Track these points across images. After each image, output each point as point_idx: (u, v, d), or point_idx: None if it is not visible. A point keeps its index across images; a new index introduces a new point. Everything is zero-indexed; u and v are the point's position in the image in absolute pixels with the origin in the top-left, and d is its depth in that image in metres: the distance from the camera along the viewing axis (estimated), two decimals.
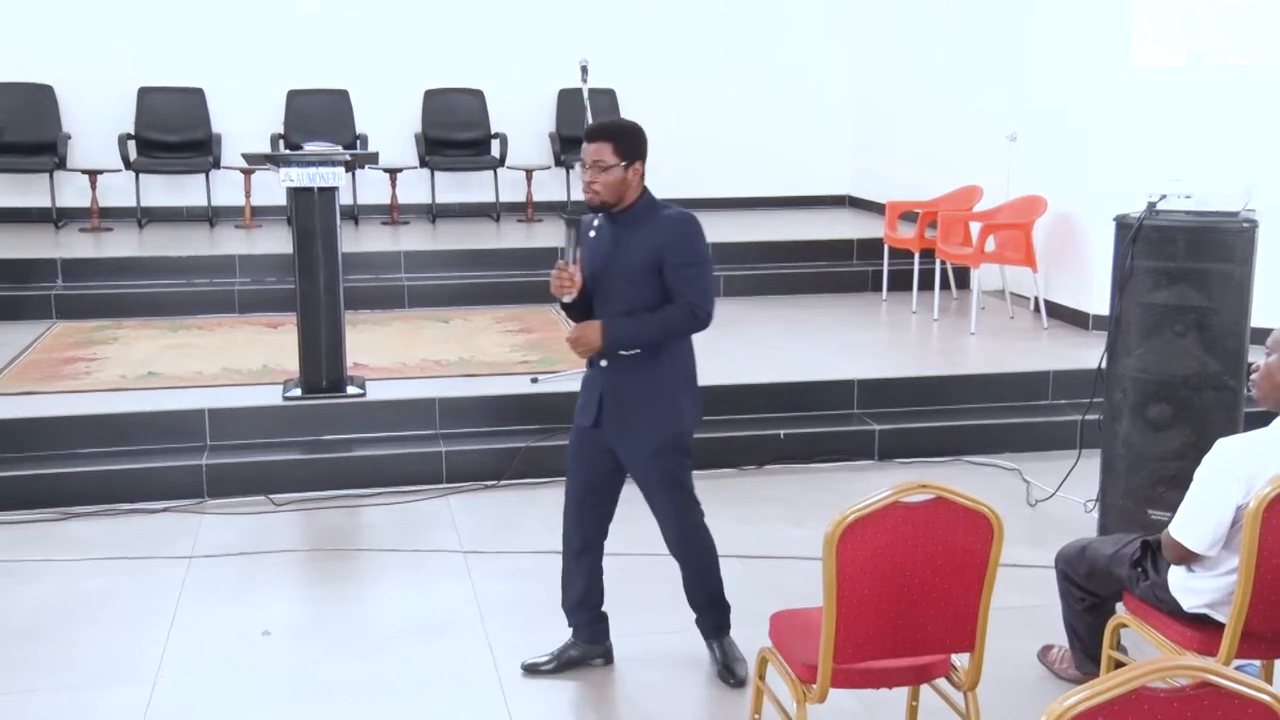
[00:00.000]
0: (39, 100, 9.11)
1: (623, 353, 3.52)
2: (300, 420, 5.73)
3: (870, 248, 8.56)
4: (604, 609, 3.85)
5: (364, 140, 9.49)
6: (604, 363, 3.56)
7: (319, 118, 9.40)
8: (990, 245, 7.56)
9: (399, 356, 6.63)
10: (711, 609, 3.80)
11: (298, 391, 5.82)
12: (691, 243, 3.52)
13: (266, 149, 8.75)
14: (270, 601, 4.38)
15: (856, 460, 5.89)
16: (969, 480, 5.40)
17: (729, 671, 3.73)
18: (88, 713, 3.62)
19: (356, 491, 5.43)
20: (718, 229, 9.19)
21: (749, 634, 3.55)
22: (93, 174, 8.94)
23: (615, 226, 3.55)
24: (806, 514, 5.11)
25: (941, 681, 3.00)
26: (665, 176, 9.91)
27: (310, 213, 5.72)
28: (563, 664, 3.82)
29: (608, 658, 3.86)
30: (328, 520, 5.19)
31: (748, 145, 10.31)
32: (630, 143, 3.49)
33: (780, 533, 4.96)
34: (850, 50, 10.49)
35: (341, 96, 9.63)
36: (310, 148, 5.94)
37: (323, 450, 5.63)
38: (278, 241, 8.41)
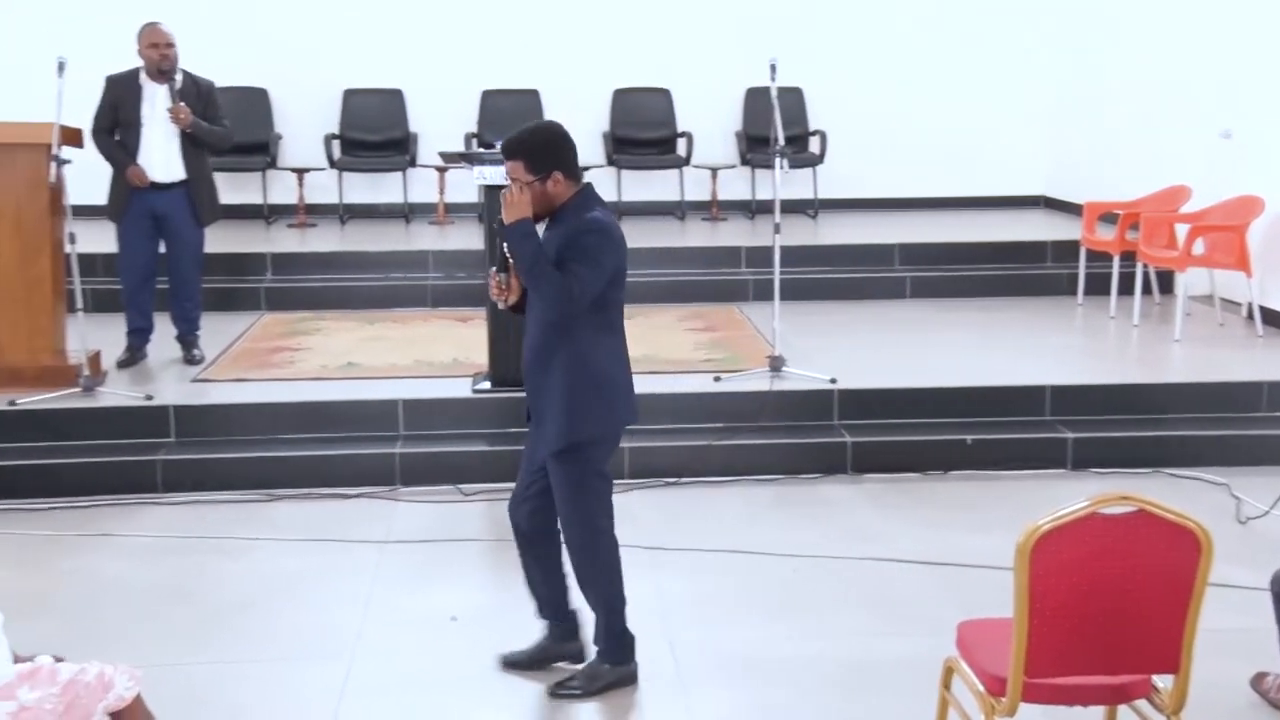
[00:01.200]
0: (255, 103, 9.62)
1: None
2: (488, 412, 5.88)
3: (1066, 250, 8.25)
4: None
5: None
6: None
7: (511, 117, 9.61)
8: (1199, 248, 7.18)
9: None
10: (601, 622, 3.75)
11: (486, 384, 5.97)
12: (585, 245, 3.47)
13: (460, 147, 9.01)
14: (457, 588, 4.52)
15: (1047, 469, 5.69)
16: (1172, 494, 5.14)
17: (559, 684, 3.72)
18: (290, 685, 3.81)
19: None
20: (905, 229, 9.11)
21: (933, 642, 3.47)
22: (300, 172, 9.40)
23: (548, 225, 3.62)
24: (994, 522, 4.96)
25: (1142, 704, 2.86)
26: (852, 176, 9.93)
27: (499, 209, 5.84)
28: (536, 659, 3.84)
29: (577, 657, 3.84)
30: None
31: (938, 144, 10.05)
32: (541, 156, 3.50)
33: (966, 540, 4.83)
34: (1053, 42, 10.11)
35: (532, 96, 9.83)
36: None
37: (509, 442, 5.75)
38: (469, 237, 8.66)
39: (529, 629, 4.16)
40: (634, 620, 4.05)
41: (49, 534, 4.99)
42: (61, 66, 5.63)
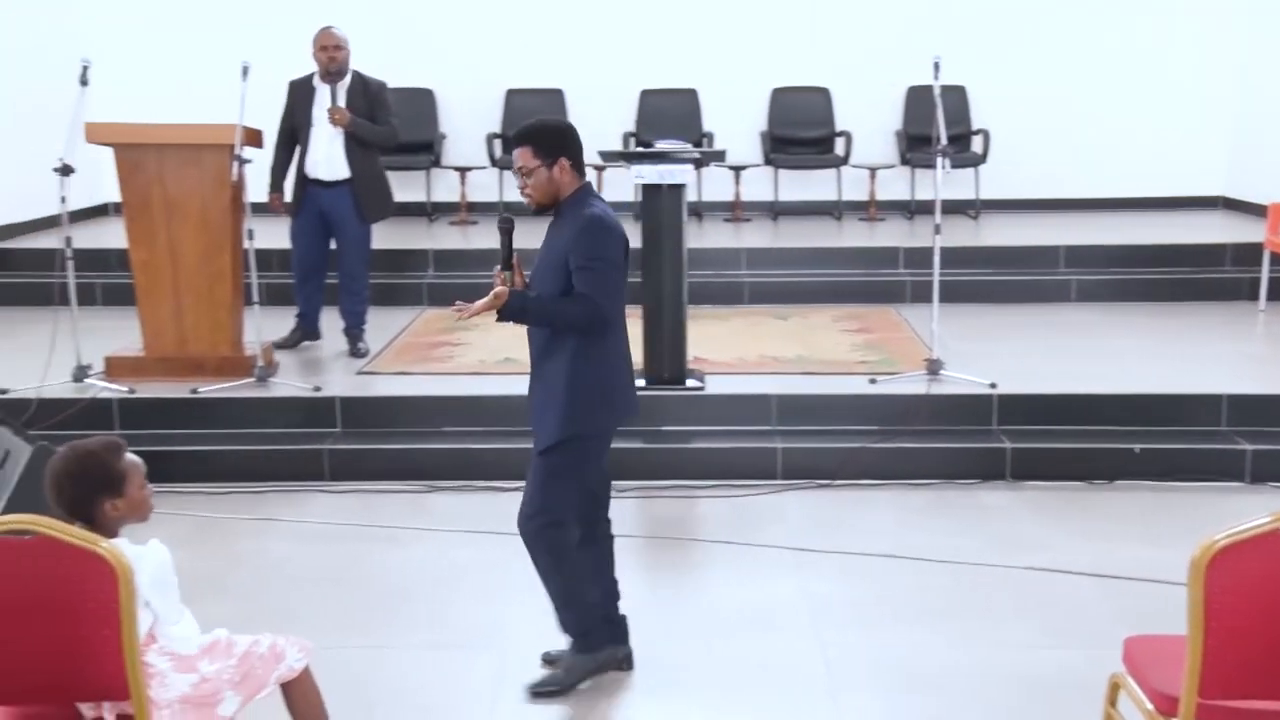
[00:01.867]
0: (421, 103, 9.90)
1: (518, 323, 3.60)
2: (642, 410, 5.88)
3: (1247, 253, 7.85)
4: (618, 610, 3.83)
5: (710, 138, 9.69)
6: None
7: (668, 116, 9.68)
8: None
9: (738, 352, 6.71)
10: (561, 612, 3.74)
11: (640, 383, 6.00)
12: (590, 244, 3.50)
13: (618, 147, 9.09)
14: None
15: (1222, 481, 5.43)
16: None
17: (537, 684, 3.72)
18: (449, 672, 3.90)
19: (692, 483, 5.55)
20: (1071, 231, 8.81)
21: (1099, 655, 3.34)
22: (463, 171, 9.63)
23: (552, 222, 3.66)
24: (1164, 535, 4.76)
25: None
26: (1016, 176, 9.65)
27: (659, 209, 5.89)
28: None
29: (627, 663, 3.82)
30: (664, 509, 5.34)
31: (1108, 142, 9.70)
32: (550, 142, 3.55)
33: (1133, 552, 4.65)
34: (1233, 30, 9.63)
35: (690, 95, 9.86)
36: (661, 145, 6.12)
37: (662, 441, 5.80)
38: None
39: (681, 626, 4.18)
40: (780, 620, 4.03)
41: (224, 517, 5.23)
42: (245, 71, 5.90)
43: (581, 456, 3.65)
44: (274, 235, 6.87)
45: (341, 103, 6.38)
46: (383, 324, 7.31)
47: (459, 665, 3.93)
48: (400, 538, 5.01)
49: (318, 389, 5.98)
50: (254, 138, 6.03)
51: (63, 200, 5.83)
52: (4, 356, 6.29)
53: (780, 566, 4.65)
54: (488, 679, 3.82)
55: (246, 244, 6.08)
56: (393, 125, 6.62)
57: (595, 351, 3.58)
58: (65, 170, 5.77)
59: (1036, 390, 5.87)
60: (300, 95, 6.49)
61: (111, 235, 7.88)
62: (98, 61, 6.12)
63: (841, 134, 9.79)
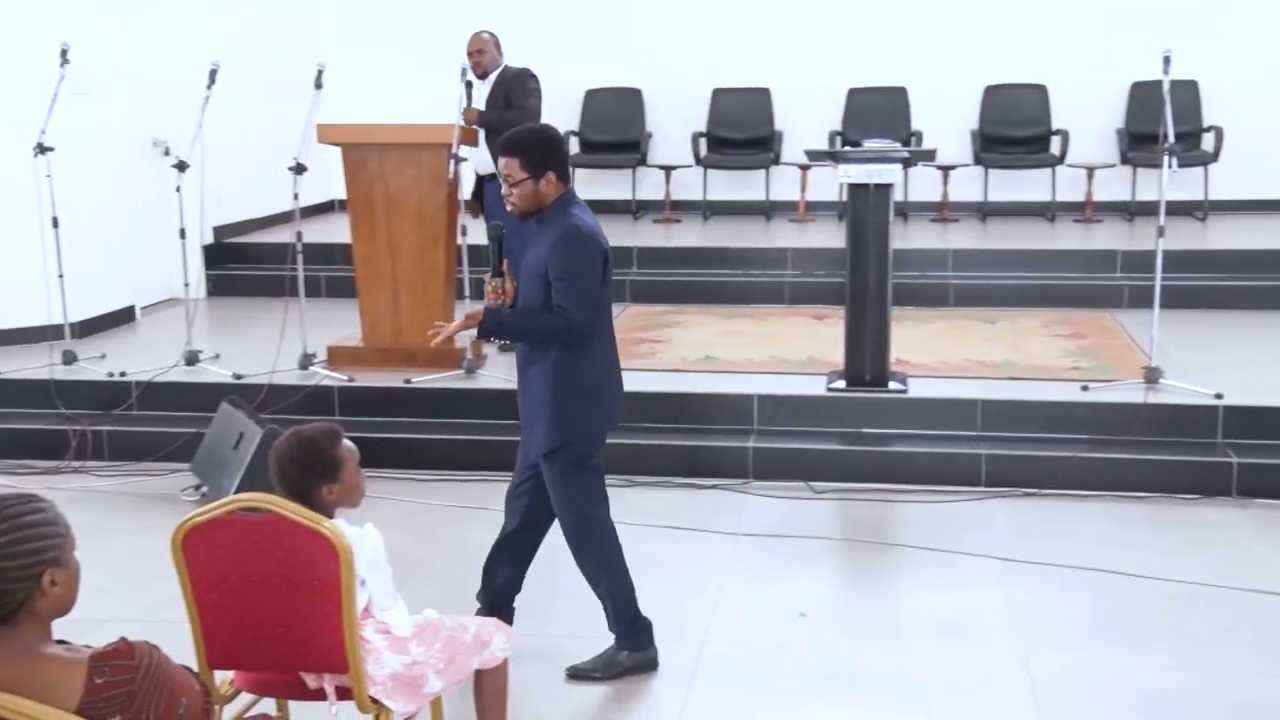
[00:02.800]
0: (629, 103, 10.05)
1: (498, 341, 3.70)
2: (842, 412, 5.85)
3: None
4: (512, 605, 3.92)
5: (919, 137, 9.49)
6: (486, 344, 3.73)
7: (876, 115, 9.52)
8: None
9: (942, 355, 6.56)
10: (610, 610, 3.82)
11: (841, 383, 5.94)
12: (568, 255, 3.52)
13: (824, 146, 9.01)
14: (806, 584, 4.53)
15: None
16: None
17: (576, 667, 3.81)
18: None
19: (893, 486, 5.45)
20: None
21: None
22: (668, 169, 9.73)
23: (535, 229, 3.66)
24: None
25: None
26: (1251, 176, 9.08)
27: (865, 208, 5.81)
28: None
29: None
30: (863, 512, 5.26)
31: None
32: (537, 154, 3.56)
33: None
34: None
35: (899, 94, 9.68)
36: (869, 145, 6.03)
37: (862, 443, 5.72)
38: (829, 236, 8.64)
39: (876, 631, 4.12)
40: (981, 631, 3.92)
41: (433, 503, 5.43)
42: (465, 71, 6.10)
43: (584, 454, 3.71)
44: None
45: (481, 101, 6.53)
46: None
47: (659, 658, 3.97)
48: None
49: None
50: (470, 137, 6.23)
51: (295, 197, 6.17)
52: (241, 344, 6.70)
53: (983, 576, 4.52)
54: (683, 673, 3.85)
55: (460, 240, 6.30)
56: (524, 108, 6.46)
57: (578, 358, 3.61)
58: (299, 169, 6.10)
59: (1268, 403, 5.52)
60: (469, 94, 6.72)
61: (337, 230, 8.30)
62: (332, 66, 6.45)
63: (1058, 132, 9.42)
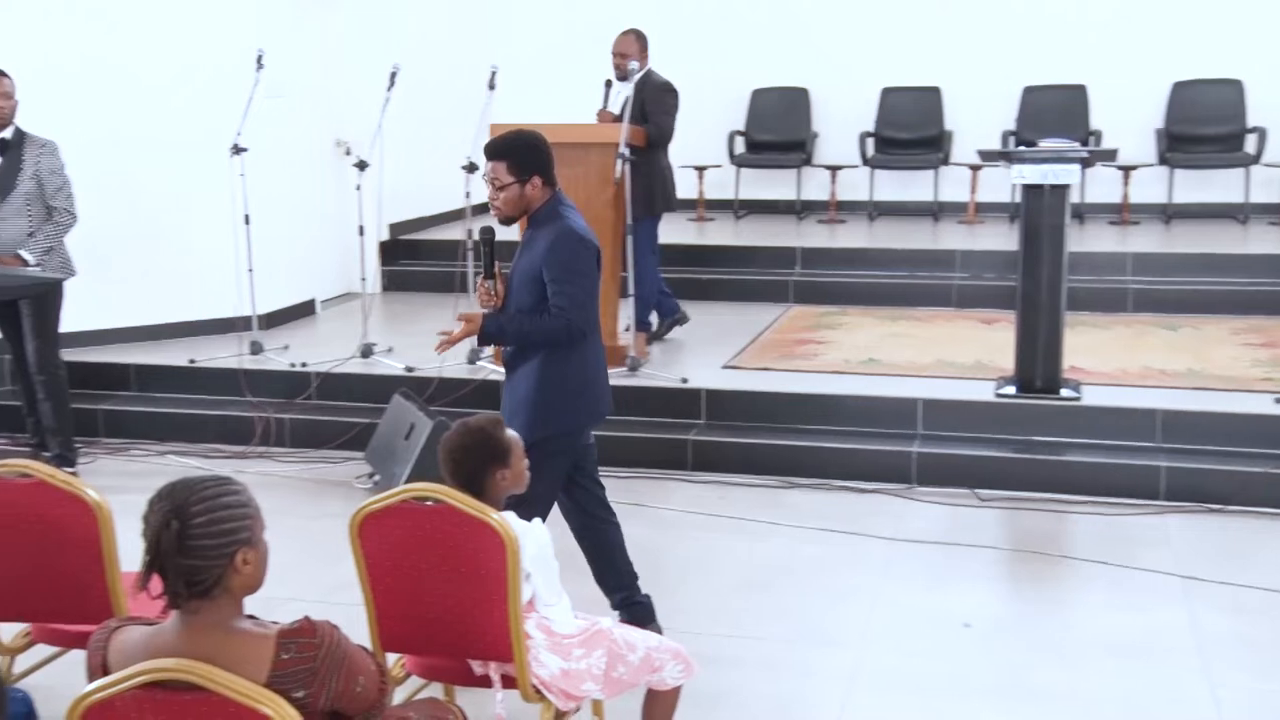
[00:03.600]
0: (795, 102, 9.98)
1: (493, 346, 3.69)
2: (1011, 418, 5.68)
3: None
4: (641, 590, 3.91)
5: (1098, 136, 9.14)
6: (484, 352, 3.72)
7: (1053, 113, 9.22)
8: None
9: (1119, 362, 6.31)
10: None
11: (1011, 389, 5.77)
12: (565, 258, 3.56)
13: (997, 145, 8.77)
14: (970, 594, 4.42)
15: None
16: None
17: None
18: (799, 667, 3.92)
19: (1064, 497, 5.27)
20: None
21: None
22: (834, 169, 9.62)
23: (526, 234, 3.69)
24: None
25: None
26: None
27: (1039, 210, 5.63)
28: None
29: None
30: (1033, 522, 5.11)
31: None
32: (524, 160, 3.58)
33: None
34: None
35: (1078, 91, 9.35)
36: (1045, 144, 5.84)
37: (1032, 451, 5.55)
38: (999, 238, 8.41)
39: (1045, 645, 3.99)
40: (1161, 651, 3.77)
41: None
42: (632, 73, 6.16)
43: (556, 453, 3.69)
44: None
45: (616, 105, 6.54)
46: (748, 319, 7.45)
47: (811, 661, 3.94)
48: (755, 530, 5.08)
49: (684, 381, 6.16)
50: (638, 136, 6.29)
51: (467, 195, 6.34)
52: (412, 338, 6.91)
53: (1163, 594, 4.34)
54: (840, 678, 3.81)
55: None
56: (659, 124, 6.48)
57: (565, 355, 3.65)
58: (470, 168, 6.26)
59: None
60: (606, 91, 6.77)
61: (505, 228, 8.47)
62: (505, 67, 6.59)
63: (1254, 130, 8.95)
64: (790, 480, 5.60)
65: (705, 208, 9.82)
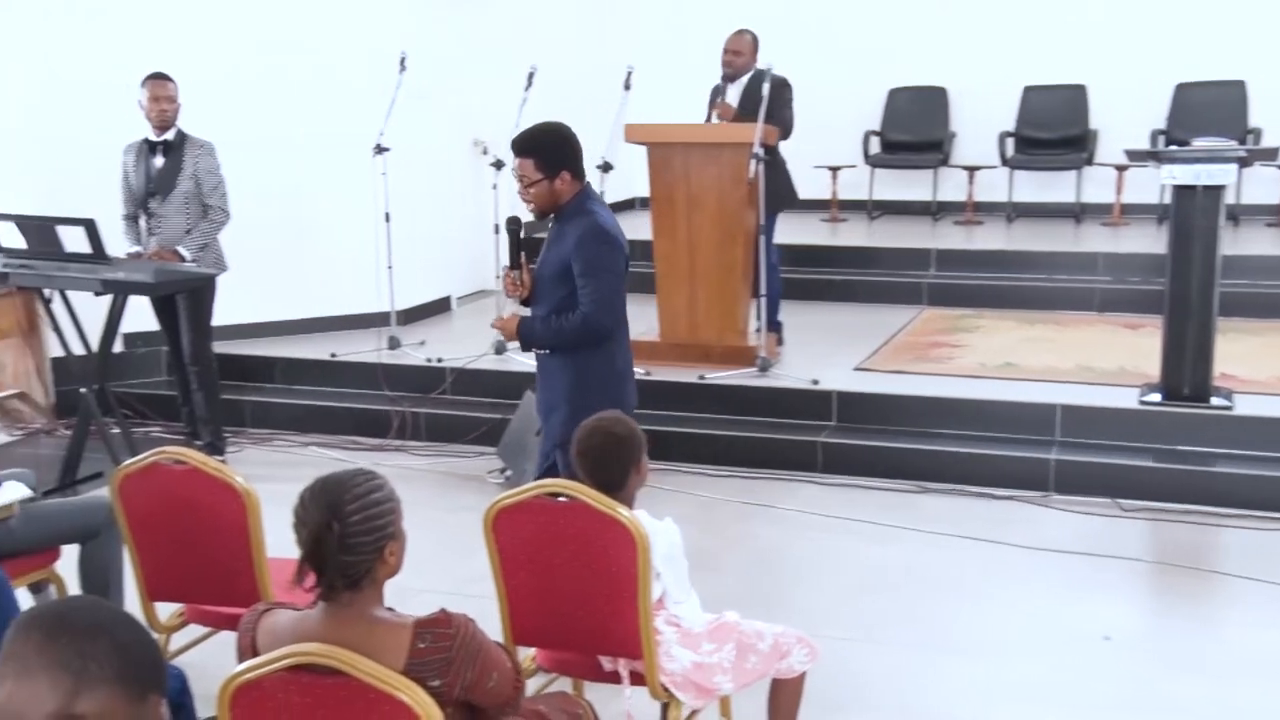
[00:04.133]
0: (932, 101, 9.81)
1: (537, 351, 3.76)
2: (1157, 427, 5.50)
3: None
4: None
5: (1257, 135, 8.75)
6: (522, 354, 3.61)
7: (1207, 111, 8.86)
8: None
9: (1275, 370, 6.04)
10: None
11: (1156, 397, 5.58)
12: (594, 254, 3.58)
13: (1145, 145, 8.47)
14: (1110, 606, 4.29)
15: None
16: None
17: None
18: (932, 675, 3.86)
19: (1213, 509, 5.08)
20: None
21: None
22: (971, 170, 9.42)
23: (553, 229, 3.70)
24: None
25: None
26: None
27: (1190, 212, 5.42)
28: None
29: None
30: (1178, 534, 4.93)
31: None
32: (552, 155, 3.59)
33: None
34: None
35: (1235, 88, 8.96)
36: (1199, 144, 5.62)
37: (1179, 461, 5.35)
38: (1146, 241, 8.13)
39: (1197, 659, 3.87)
40: None
41: (723, 499, 5.50)
42: (763, 73, 6.14)
43: None
44: (782, 231, 7.09)
45: (734, 99, 6.49)
46: (880, 321, 7.35)
47: (945, 670, 3.87)
48: (886, 535, 5.01)
49: (815, 382, 6.11)
50: (772, 136, 6.26)
51: (601, 194, 6.38)
52: None
53: None
54: (977, 688, 3.73)
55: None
56: (781, 118, 6.36)
57: (597, 351, 3.71)
58: (606, 167, 6.32)
59: None
60: (715, 96, 6.73)
61: (637, 227, 8.51)
62: (640, 68, 6.63)
63: None
64: (922, 485, 5.51)
65: (838, 208, 9.72)
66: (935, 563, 4.72)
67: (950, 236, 8.99)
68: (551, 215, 3.78)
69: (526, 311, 3.91)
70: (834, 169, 9.59)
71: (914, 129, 9.80)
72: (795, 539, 5.02)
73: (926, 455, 5.64)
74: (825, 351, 6.75)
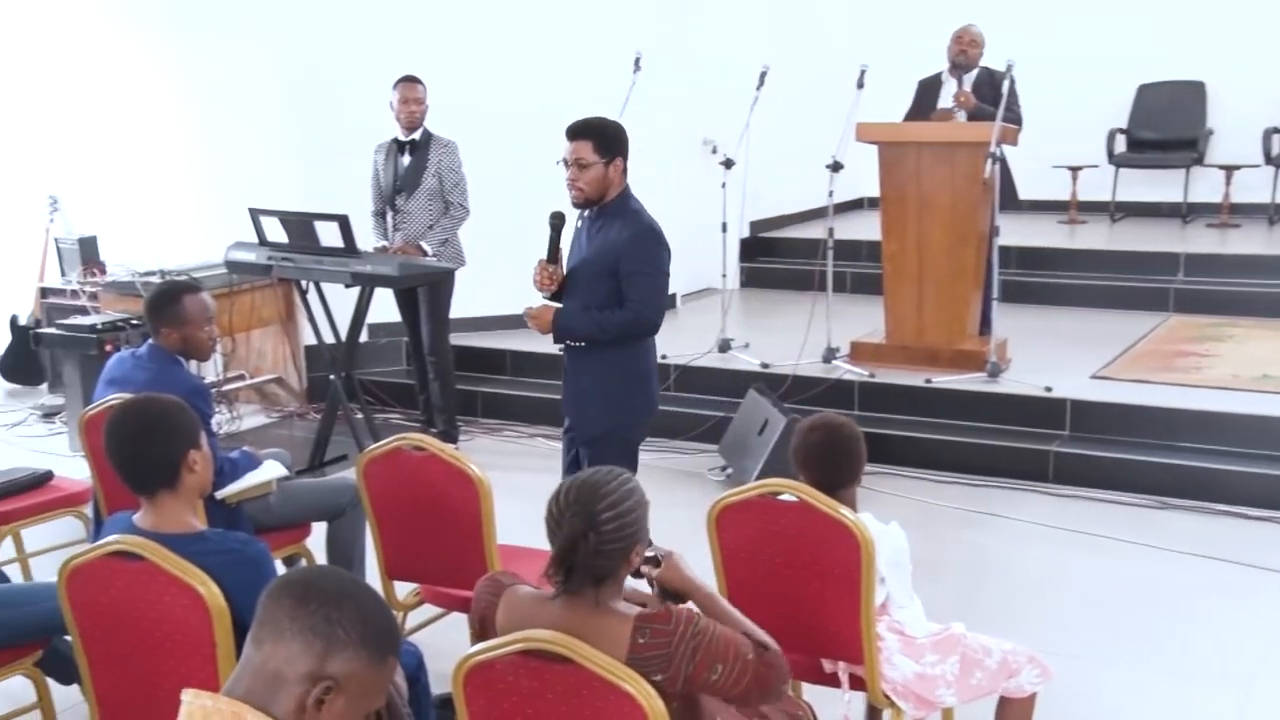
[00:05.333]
0: (1187, 97, 9.26)
1: (571, 343, 3.72)
2: None
3: None
4: None
5: None
6: (560, 348, 3.77)
7: None
8: None
9: None
10: None
11: None
12: (644, 252, 3.61)
13: None
14: None
15: None
16: None
17: None
18: (1175, 702, 3.66)
19: None
20: None
21: None
22: (1229, 169, 8.84)
23: (592, 223, 3.69)
24: None
25: None
26: None
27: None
28: None
29: None
30: None
31: None
32: (611, 140, 3.60)
33: None
34: None
35: None
36: None
37: None
38: None
39: None
40: None
41: (945, 506, 5.37)
42: (991, 70, 5.95)
43: (635, 439, 3.84)
44: (1016, 232, 6.87)
45: (949, 99, 6.36)
46: (1120, 328, 7.03)
47: (1183, 696, 3.67)
48: (1122, 552, 4.79)
49: (1048, 389, 5.88)
50: (1012, 135, 6.05)
51: (830, 194, 6.34)
52: (769, 334, 7.00)
53: None
54: (1224, 714, 3.52)
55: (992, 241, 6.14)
56: (1016, 111, 6.24)
57: (631, 348, 3.74)
58: (835, 167, 6.25)
59: None
60: (927, 91, 6.55)
61: (864, 227, 8.42)
62: (876, 65, 6.53)
63: None
64: (1164, 500, 5.24)
65: (1077, 209, 9.31)
66: (1178, 584, 4.47)
67: (1202, 240, 8.47)
68: (587, 210, 3.78)
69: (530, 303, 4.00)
70: (1074, 169, 9.19)
71: (1165, 126, 9.28)
72: (1024, 551, 4.86)
73: (1170, 469, 5.35)
74: (1059, 358, 6.49)
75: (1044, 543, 4.93)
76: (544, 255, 3.83)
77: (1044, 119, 6.36)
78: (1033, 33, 7.89)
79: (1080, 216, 9.28)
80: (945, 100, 6.52)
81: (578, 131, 3.66)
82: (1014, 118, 6.21)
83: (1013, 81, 6.12)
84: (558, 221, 3.83)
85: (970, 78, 6.47)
